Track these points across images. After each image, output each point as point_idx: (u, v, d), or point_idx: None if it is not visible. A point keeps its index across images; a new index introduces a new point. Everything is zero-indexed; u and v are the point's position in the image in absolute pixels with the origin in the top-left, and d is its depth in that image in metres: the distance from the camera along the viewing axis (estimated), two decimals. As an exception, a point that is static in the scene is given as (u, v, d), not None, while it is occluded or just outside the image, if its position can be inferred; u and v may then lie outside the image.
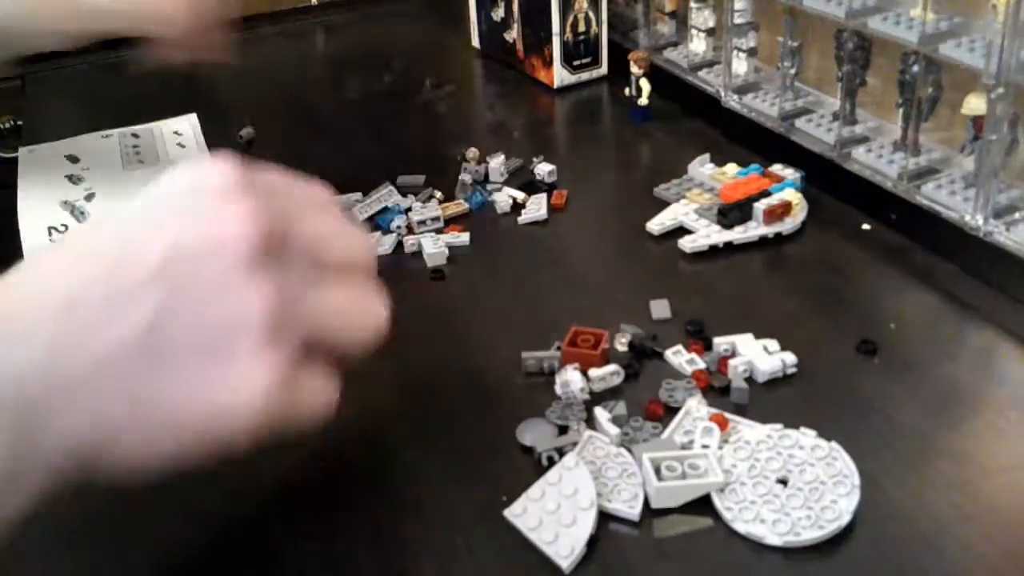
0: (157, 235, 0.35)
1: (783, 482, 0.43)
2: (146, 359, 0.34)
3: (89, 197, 0.65)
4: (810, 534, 0.41)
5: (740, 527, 0.41)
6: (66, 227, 0.63)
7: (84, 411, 0.34)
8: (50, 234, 0.62)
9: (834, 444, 0.45)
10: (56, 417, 0.33)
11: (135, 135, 0.72)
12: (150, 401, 0.35)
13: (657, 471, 0.43)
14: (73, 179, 0.67)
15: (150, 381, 0.35)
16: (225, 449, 0.36)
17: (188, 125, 0.74)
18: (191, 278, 0.35)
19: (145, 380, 0.34)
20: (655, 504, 0.43)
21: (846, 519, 0.41)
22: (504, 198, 0.67)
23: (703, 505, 0.43)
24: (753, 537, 0.41)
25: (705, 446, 0.45)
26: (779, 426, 0.46)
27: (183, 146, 0.71)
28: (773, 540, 0.41)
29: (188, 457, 0.36)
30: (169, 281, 0.35)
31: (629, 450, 0.45)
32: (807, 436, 0.45)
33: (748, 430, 0.46)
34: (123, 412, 0.34)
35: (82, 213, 0.64)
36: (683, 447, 0.45)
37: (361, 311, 0.40)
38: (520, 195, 0.68)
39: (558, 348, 0.52)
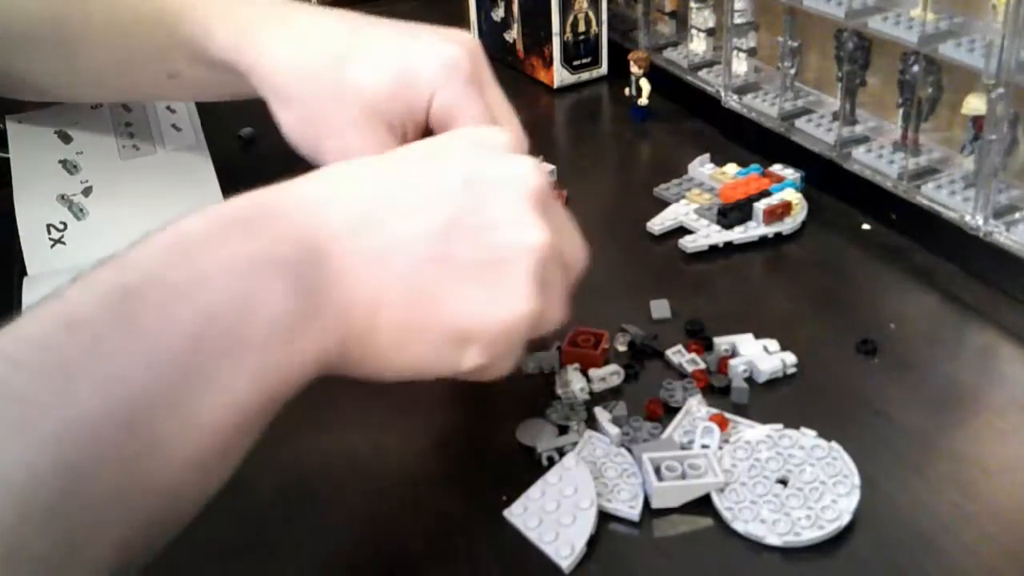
0: (461, 160, 0.40)
1: (783, 482, 0.43)
2: (430, 258, 0.38)
3: (87, 192, 0.65)
4: (810, 534, 0.41)
5: (740, 527, 0.41)
6: (64, 225, 0.63)
7: (366, 285, 0.37)
8: (49, 232, 0.62)
9: (834, 444, 0.45)
10: (343, 279, 0.37)
11: (126, 108, 0.71)
12: (421, 298, 0.38)
13: (657, 471, 0.43)
14: (68, 166, 0.66)
15: (428, 279, 0.38)
16: (465, 372, 0.40)
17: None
18: (486, 200, 0.39)
19: (424, 276, 0.38)
20: (655, 504, 0.43)
21: (846, 519, 0.41)
22: None
23: (703, 505, 0.43)
24: (753, 537, 0.41)
25: (705, 446, 0.45)
26: (779, 426, 0.46)
27: (178, 128, 0.70)
28: (773, 540, 0.41)
29: (431, 372, 0.40)
30: (467, 197, 0.39)
31: (629, 450, 0.45)
32: (807, 436, 0.45)
33: (748, 430, 0.46)
34: (396, 299, 0.38)
35: (81, 210, 0.64)
36: (683, 447, 0.45)
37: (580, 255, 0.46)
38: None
39: (558, 348, 0.52)
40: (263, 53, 0.53)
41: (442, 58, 0.52)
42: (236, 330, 0.34)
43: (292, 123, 0.53)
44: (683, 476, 0.43)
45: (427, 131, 0.52)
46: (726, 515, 0.42)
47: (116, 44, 0.60)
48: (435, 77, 0.51)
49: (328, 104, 0.52)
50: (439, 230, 0.38)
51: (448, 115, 0.52)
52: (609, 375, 0.50)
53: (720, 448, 0.45)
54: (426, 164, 0.41)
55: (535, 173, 0.40)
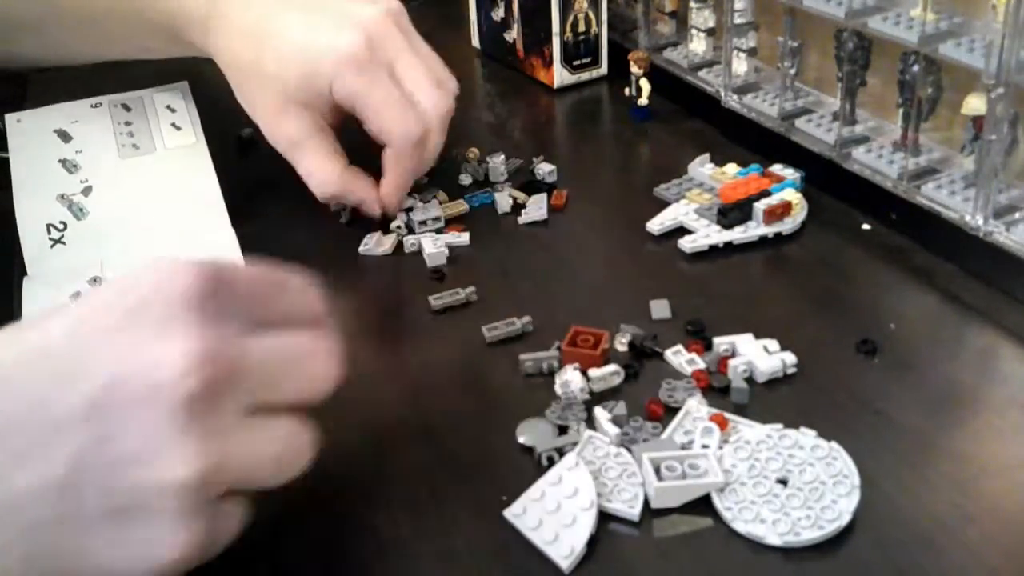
0: (91, 369, 0.32)
1: (783, 482, 0.43)
2: (58, 508, 0.32)
3: (86, 191, 0.65)
4: (810, 534, 0.41)
5: (740, 527, 0.41)
6: (64, 225, 0.63)
7: None
8: (49, 232, 0.62)
9: (834, 444, 0.45)
10: None
11: (126, 107, 0.71)
12: (56, 553, 0.32)
13: (657, 471, 0.43)
14: (67, 165, 0.66)
15: (54, 541, 0.32)
16: None
17: (181, 98, 0.73)
18: (116, 428, 0.32)
19: (49, 539, 0.32)
20: (655, 504, 0.43)
21: (846, 519, 0.41)
22: (505, 199, 0.67)
23: (703, 505, 0.43)
24: (753, 537, 0.41)
25: (705, 446, 0.45)
26: (779, 426, 0.46)
27: (178, 127, 0.70)
28: (773, 540, 0.41)
29: None
30: (93, 429, 0.32)
31: (629, 450, 0.45)
32: (807, 436, 0.45)
33: (748, 430, 0.46)
34: (28, 557, 0.32)
35: (81, 210, 0.64)
36: (683, 447, 0.45)
37: (311, 372, 0.39)
38: (520, 195, 0.68)
39: (558, 348, 0.52)
40: (216, 49, 0.64)
41: (338, 50, 0.58)
42: None
43: (240, 100, 0.64)
44: (683, 476, 0.43)
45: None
46: (726, 515, 0.42)
47: (89, 31, 0.70)
48: (332, 69, 0.58)
49: (252, 89, 0.63)
50: (61, 474, 0.32)
51: (349, 103, 0.60)
52: (609, 375, 0.50)
53: (720, 448, 0.45)
54: (54, 376, 0.33)
55: (188, 365, 0.32)
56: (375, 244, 0.63)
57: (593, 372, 0.50)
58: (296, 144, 0.62)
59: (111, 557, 0.33)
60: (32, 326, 0.35)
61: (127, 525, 0.33)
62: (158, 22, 0.65)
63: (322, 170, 0.62)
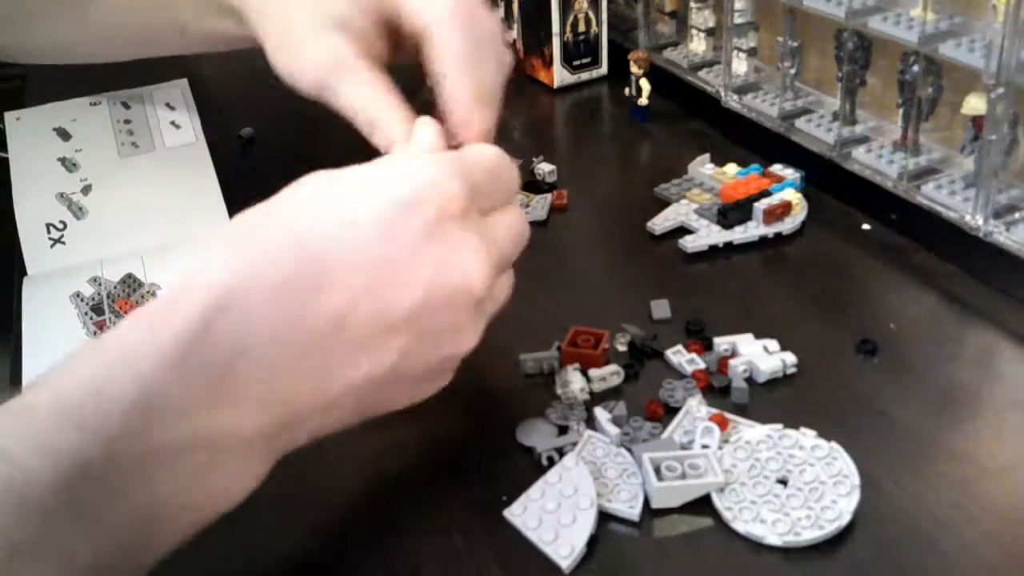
0: (409, 284, 0.38)
1: (783, 482, 0.43)
2: (382, 385, 0.39)
3: (86, 190, 0.65)
4: (810, 534, 0.41)
5: (740, 527, 0.41)
6: (64, 224, 0.62)
7: (321, 426, 0.40)
8: (48, 231, 0.62)
9: (834, 444, 0.45)
10: (305, 432, 0.39)
11: (125, 105, 0.70)
12: (371, 408, 0.41)
13: (657, 471, 0.43)
14: (67, 164, 0.66)
15: (378, 396, 0.40)
16: None
17: (181, 97, 0.73)
18: (433, 327, 0.39)
19: (374, 397, 0.40)
20: (655, 504, 0.43)
21: (846, 519, 0.41)
22: (518, 198, 0.67)
23: (703, 505, 0.43)
24: (753, 537, 0.41)
25: (705, 446, 0.45)
26: (779, 426, 0.46)
27: (178, 126, 0.70)
28: (773, 540, 0.41)
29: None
30: (415, 331, 0.39)
31: (629, 450, 0.45)
32: (807, 436, 0.45)
33: (748, 430, 0.46)
34: (350, 415, 0.40)
35: (80, 209, 0.64)
36: (683, 447, 0.45)
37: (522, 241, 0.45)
38: (526, 196, 0.68)
39: (558, 348, 0.52)
40: None
41: None
42: (191, 510, 0.36)
43: (272, 53, 0.52)
44: (683, 476, 0.43)
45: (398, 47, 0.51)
46: (726, 515, 0.42)
47: (127, 2, 0.62)
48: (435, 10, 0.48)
49: (296, 18, 0.50)
50: (389, 365, 0.39)
51: (423, 36, 0.48)
52: (609, 375, 0.50)
53: (720, 448, 0.45)
54: (378, 291, 0.38)
55: (479, 273, 0.40)
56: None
57: (593, 372, 0.50)
58: (339, 66, 0.49)
59: (411, 398, 0.42)
60: (335, 237, 0.39)
61: (431, 380, 0.43)
62: None
63: (378, 96, 0.49)
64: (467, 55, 0.48)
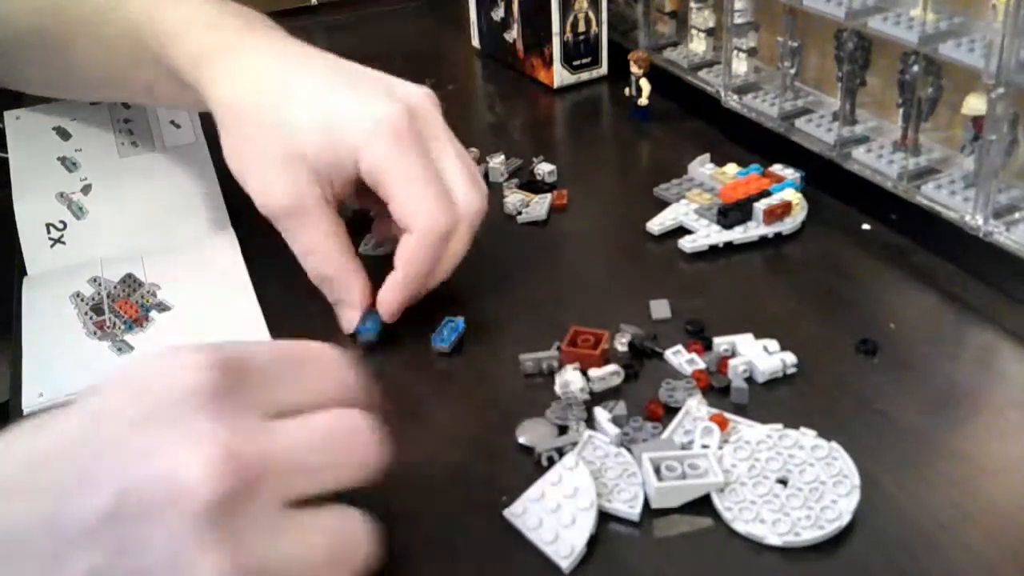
0: (103, 480, 0.30)
1: (783, 482, 0.43)
2: None
3: (86, 190, 0.65)
4: (810, 534, 0.41)
5: (740, 527, 0.41)
6: (64, 224, 0.63)
7: None
8: (48, 231, 0.62)
9: (834, 444, 0.45)
10: None
11: (125, 104, 0.70)
12: None
13: (657, 471, 0.43)
14: (67, 164, 0.66)
15: None
16: None
17: None
18: (133, 541, 0.30)
19: None
20: (655, 504, 0.43)
21: (846, 519, 0.41)
22: (518, 198, 0.67)
23: (703, 505, 0.43)
24: (753, 537, 0.41)
25: (705, 446, 0.45)
26: (779, 426, 0.46)
27: (178, 125, 0.70)
28: (773, 540, 0.41)
29: None
30: (107, 543, 0.30)
31: (629, 450, 0.45)
32: (807, 436, 0.45)
33: (748, 430, 0.46)
34: None
35: (80, 208, 0.64)
36: (683, 447, 0.45)
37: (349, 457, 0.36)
38: (529, 196, 0.68)
39: (558, 348, 0.52)
40: (212, 83, 0.54)
41: (372, 117, 0.50)
42: None
43: (227, 151, 0.54)
44: (683, 476, 0.43)
45: (363, 186, 0.52)
46: (726, 515, 0.42)
47: (97, 56, 0.62)
48: (360, 136, 0.50)
49: (255, 142, 0.52)
50: None
51: (375, 178, 0.51)
52: (609, 375, 0.50)
53: (720, 448, 0.45)
54: (64, 487, 0.31)
55: (207, 470, 0.30)
56: (375, 245, 0.63)
57: (593, 372, 0.50)
58: (296, 211, 0.51)
59: None
60: (36, 430, 0.33)
61: None
62: (158, 54, 0.57)
63: (324, 248, 0.52)
64: (418, 251, 0.51)
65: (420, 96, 0.54)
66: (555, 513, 0.42)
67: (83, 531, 0.30)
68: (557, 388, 0.49)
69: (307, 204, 0.51)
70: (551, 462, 0.45)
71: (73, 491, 0.31)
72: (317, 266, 0.53)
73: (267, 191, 0.51)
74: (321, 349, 0.37)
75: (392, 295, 0.53)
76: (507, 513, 0.43)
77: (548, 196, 0.68)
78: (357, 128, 0.50)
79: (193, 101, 0.56)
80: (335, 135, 0.51)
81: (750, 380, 0.50)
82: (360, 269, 0.54)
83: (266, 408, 0.34)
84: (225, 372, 0.33)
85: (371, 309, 0.54)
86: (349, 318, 0.54)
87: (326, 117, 0.51)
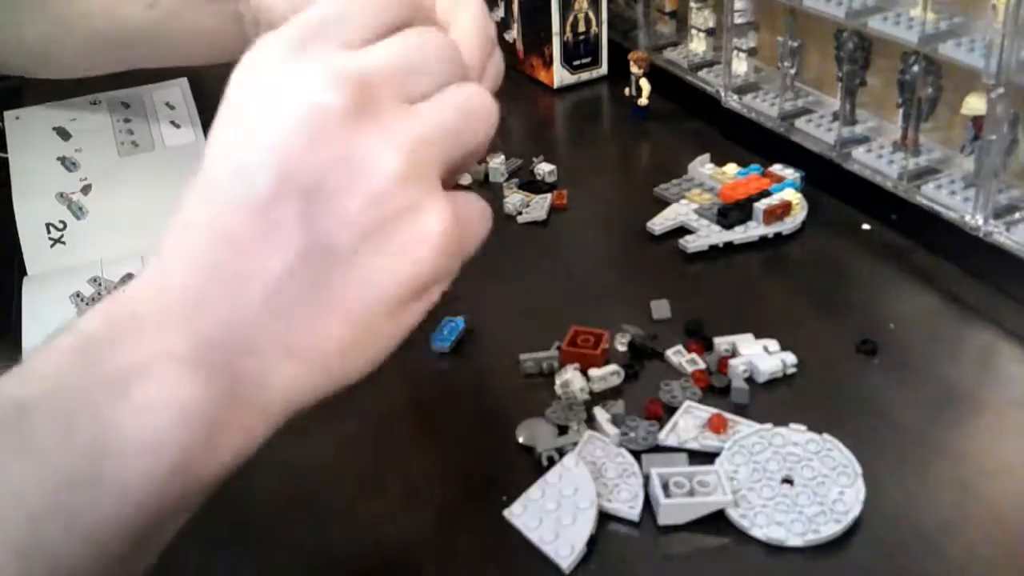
0: (262, 148, 0.31)
1: (788, 481, 0.43)
2: (318, 270, 0.31)
3: (86, 190, 0.65)
4: (828, 529, 0.40)
5: (758, 533, 0.41)
6: (64, 224, 0.62)
7: (279, 353, 0.31)
8: (48, 231, 0.62)
9: (826, 436, 0.45)
10: (260, 375, 0.31)
11: (125, 104, 0.70)
12: (341, 304, 0.32)
13: (665, 487, 0.42)
14: (67, 163, 0.66)
15: (330, 286, 0.31)
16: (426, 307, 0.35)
17: (180, 95, 0.73)
18: (311, 181, 0.31)
19: (326, 288, 0.31)
20: (662, 521, 0.42)
21: (857, 509, 0.41)
22: (519, 198, 0.67)
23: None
24: (773, 542, 0.41)
25: (709, 454, 0.45)
26: (769, 425, 0.46)
27: (178, 125, 0.70)
28: (795, 542, 0.40)
29: (394, 340, 0.34)
30: (295, 196, 0.31)
31: (629, 450, 0.45)
32: (797, 432, 0.45)
33: (738, 432, 0.46)
34: (318, 329, 0.32)
35: (80, 208, 0.64)
36: (683, 447, 0.45)
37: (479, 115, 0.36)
38: (523, 196, 0.68)
39: (558, 348, 0.52)
40: None
41: None
42: (141, 437, 0.30)
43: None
44: (691, 493, 0.42)
45: None
46: (742, 523, 0.41)
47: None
48: None
49: None
50: (299, 241, 0.31)
51: None
52: (609, 375, 0.50)
53: (718, 453, 0.45)
54: (234, 172, 0.32)
55: (328, 82, 0.31)
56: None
57: (593, 372, 0.50)
58: None
59: (380, 278, 0.32)
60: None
61: (380, 243, 0.31)
62: None
63: None
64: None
65: None
66: (555, 513, 0.42)
67: (268, 192, 0.31)
68: (557, 388, 0.49)
69: None
70: (551, 462, 0.45)
71: (246, 129, 0.32)
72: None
73: None
74: (431, 36, 0.36)
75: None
76: (507, 513, 0.43)
77: (548, 196, 0.68)
78: None
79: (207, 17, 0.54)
80: None
81: (750, 380, 0.50)
82: None
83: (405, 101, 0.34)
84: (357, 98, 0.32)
85: None
86: None
87: None
